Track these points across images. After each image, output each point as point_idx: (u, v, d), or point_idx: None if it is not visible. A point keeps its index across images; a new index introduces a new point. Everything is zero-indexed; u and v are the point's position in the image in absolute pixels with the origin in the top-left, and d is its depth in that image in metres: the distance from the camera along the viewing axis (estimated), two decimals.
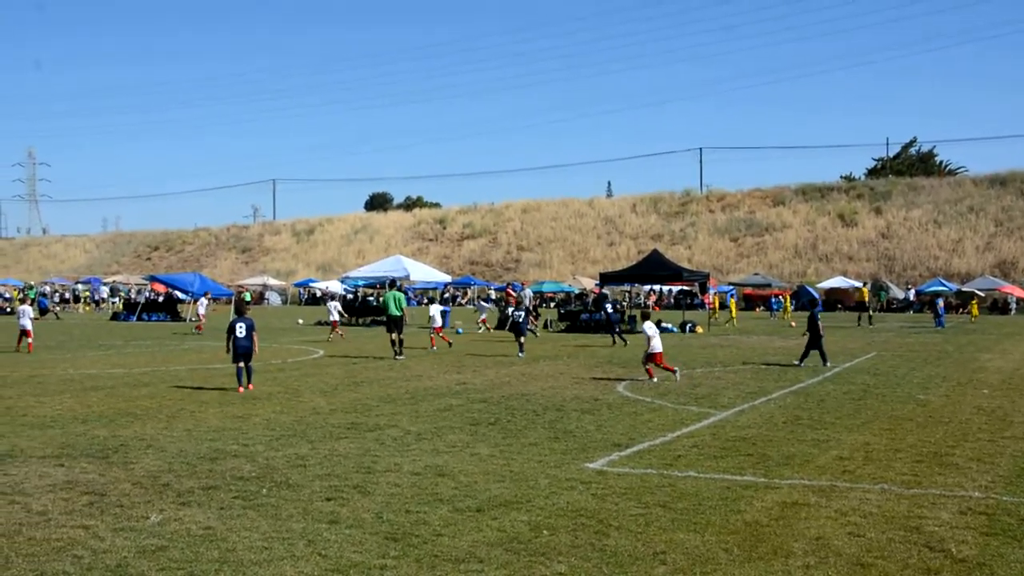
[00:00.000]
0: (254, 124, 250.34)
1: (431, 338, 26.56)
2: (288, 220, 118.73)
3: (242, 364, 15.62)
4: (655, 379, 17.02)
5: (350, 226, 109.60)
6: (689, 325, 35.43)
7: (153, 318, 46.21)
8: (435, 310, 28.06)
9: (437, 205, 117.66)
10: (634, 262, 56.77)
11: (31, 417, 12.49)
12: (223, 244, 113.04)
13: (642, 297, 67.11)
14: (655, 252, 42.43)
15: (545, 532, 6.80)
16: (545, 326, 37.65)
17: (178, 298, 51.28)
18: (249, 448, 10.18)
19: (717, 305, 41.78)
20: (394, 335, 22.86)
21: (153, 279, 59.58)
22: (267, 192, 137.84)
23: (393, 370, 19.54)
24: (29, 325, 24.71)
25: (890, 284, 65.46)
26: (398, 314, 23.10)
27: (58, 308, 60.63)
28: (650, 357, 17.20)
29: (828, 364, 19.84)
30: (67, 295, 77.10)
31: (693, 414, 12.94)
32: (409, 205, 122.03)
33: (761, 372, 18.98)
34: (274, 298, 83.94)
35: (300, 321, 43.74)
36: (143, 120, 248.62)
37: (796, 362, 20.35)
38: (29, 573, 5.78)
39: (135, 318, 46.16)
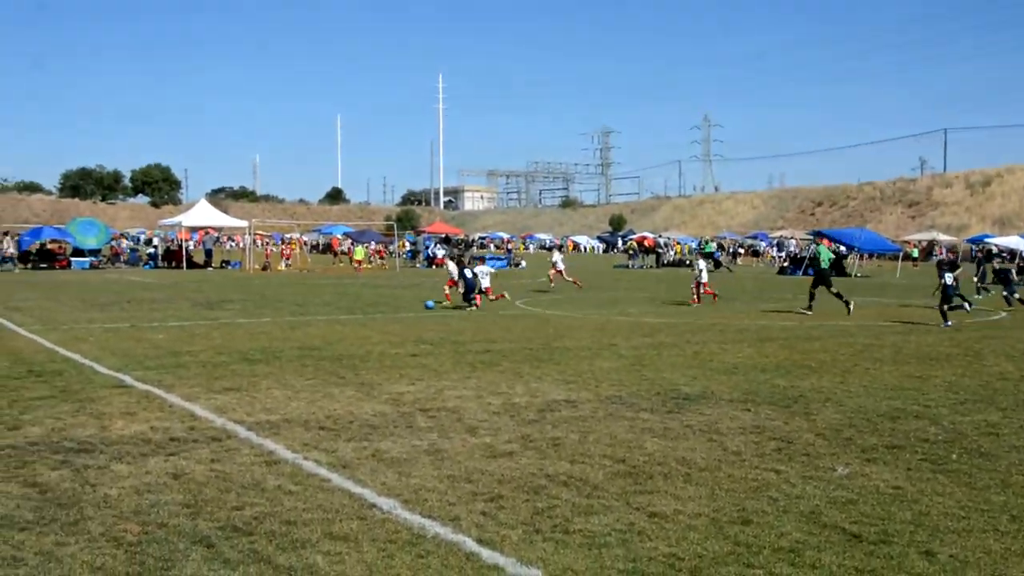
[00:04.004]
0: (921, 73, 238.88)
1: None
2: (960, 172, 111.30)
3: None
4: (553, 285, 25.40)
5: None
6: None
7: (812, 273, 46.80)
8: (483, 269, 24.69)
9: None
10: None
11: (716, 363, 13.47)
12: (888, 199, 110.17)
13: None
14: None
15: None
16: None
17: (843, 254, 51.26)
18: (931, 410, 9.76)
19: None
20: (816, 290, 22.94)
21: (818, 234, 60.30)
22: (937, 143, 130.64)
23: None
24: (457, 274, 24.13)
25: None
26: (824, 267, 23.73)
27: (732, 262, 64.66)
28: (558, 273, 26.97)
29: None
30: (737, 250, 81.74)
31: None
32: None
33: None
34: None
35: None
36: (798, 76, 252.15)
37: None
38: (731, 507, 6.22)
39: (800, 272, 47.25)
